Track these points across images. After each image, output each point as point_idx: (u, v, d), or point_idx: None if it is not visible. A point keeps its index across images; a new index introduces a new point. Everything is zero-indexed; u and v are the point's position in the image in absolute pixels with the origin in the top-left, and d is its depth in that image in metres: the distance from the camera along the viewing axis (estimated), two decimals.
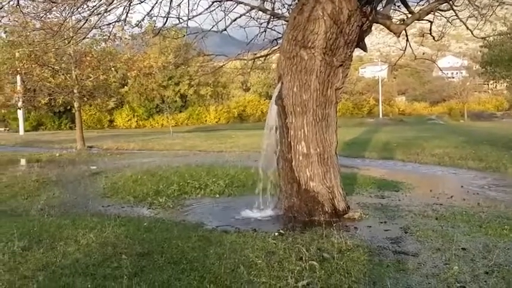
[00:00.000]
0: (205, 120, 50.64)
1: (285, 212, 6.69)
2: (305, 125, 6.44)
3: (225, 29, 8.84)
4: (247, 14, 8.89)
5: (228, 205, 7.65)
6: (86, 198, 8.28)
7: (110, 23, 8.73)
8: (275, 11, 8.54)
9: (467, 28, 8.60)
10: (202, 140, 24.41)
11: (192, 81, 47.38)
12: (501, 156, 13.38)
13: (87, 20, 7.47)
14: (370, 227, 5.97)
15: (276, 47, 10.46)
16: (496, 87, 19.76)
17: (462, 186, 9.14)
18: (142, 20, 8.53)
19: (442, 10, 9.09)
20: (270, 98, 34.68)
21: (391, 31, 7.70)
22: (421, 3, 9.41)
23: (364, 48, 7.70)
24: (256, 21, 9.64)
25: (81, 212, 7.01)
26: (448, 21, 10.43)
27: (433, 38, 9.92)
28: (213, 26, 8.59)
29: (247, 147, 18.81)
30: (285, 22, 9.47)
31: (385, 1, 7.92)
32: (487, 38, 16.19)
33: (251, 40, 9.22)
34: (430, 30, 9.68)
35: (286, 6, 9.16)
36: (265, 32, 9.17)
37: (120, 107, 47.51)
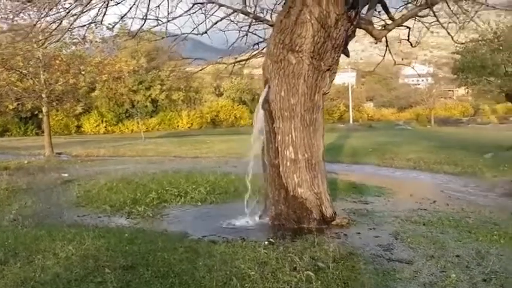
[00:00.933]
0: (177, 126, 49.88)
1: (272, 219, 6.51)
2: (293, 130, 6.30)
3: (206, 32, 8.62)
4: (228, 17, 8.68)
5: (212, 213, 7.42)
6: (60, 208, 7.88)
7: (85, 25, 8.35)
8: (257, 15, 8.37)
9: (448, 33, 8.66)
10: (176, 145, 23.97)
11: (164, 85, 46.71)
12: (475, 161, 13.62)
13: (62, 21, 7.12)
14: (359, 233, 5.87)
15: (256, 52, 10.33)
16: (467, 92, 20.26)
17: (442, 191, 9.20)
18: (120, 20, 8.20)
19: (420, 16, 9.17)
20: (243, 103, 34.79)
21: (373, 36, 7.65)
22: (400, 9, 9.52)
23: (347, 54, 7.64)
24: (237, 24, 9.48)
25: (57, 223, 6.62)
26: (426, 27, 10.57)
27: (411, 45, 9.99)
28: (194, 28, 8.36)
29: (223, 153, 18.58)
30: (267, 26, 9.35)
31: (367, 6, 7.89)
32: (460, 46, 16.52)
33: (232, 44, 9.04)
34: (408, 36, 9.76)
35: (266, 10, 9.06)
36: (246, 36, 8.99)
37: (88, 112, 46.32)
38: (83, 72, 19.13)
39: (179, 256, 4.90)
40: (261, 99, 6.54)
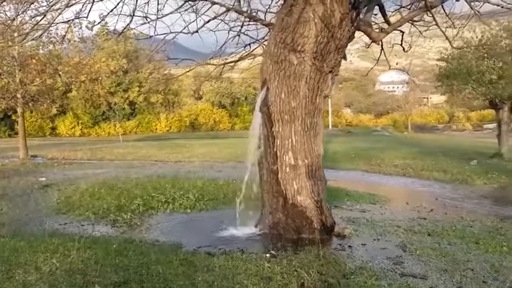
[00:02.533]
0: (156, 129, 49.04)
1: (269, 229, 6.14)
2: (293, 134, 5.96)
3: (197, 31, 8.24)
4: (220, 16, 8.31)
5: (203, 221, 7.01)
6: (39, 215, 7.33)
7: (68, 20, 7.85)
8: (251, 14, 8.04)
9: (446, 38, 8.49)
10: (156, 149, 23.41)
11: (142, 88, 45.85)
12: (462, 168, 13.58)
13: (45, 15, 6.63)
14: (364, 245, 5.56)
15: (246, 53, 10.00)
16: (449, 99, 20.34)
17: (437, 199, 9.02)
18: (106, 16, 7.73)
19: (414, 21, 9.02)
20: (223, 107, 34.41)
21: (371, 39, 7.41)
22: (393, 13, 9.34)
23: (344, 57, 7.37)
24: (227, 24, 9.12)
25: (37, 231, 6.09)
26: (420, 32, 10.42)
27: (403, 49, 9.82)
28: (185, 27, 7.96)
29: (206, 157, 18.15)
30: (260, 26, 9.03)
31: (365, 8, 7.66)
32: (446, 53, 16.55)
33: (223, 44, 8.67)
34: (402, 40, 9.59)
35: (257, 11, 8.74)
36: (238, 36, 8.64)
37: (63, 114, 45.08)
38: (60, 73, 18.38)
39: (175, 270, 4.50)
40: (259, 101, 6.19)
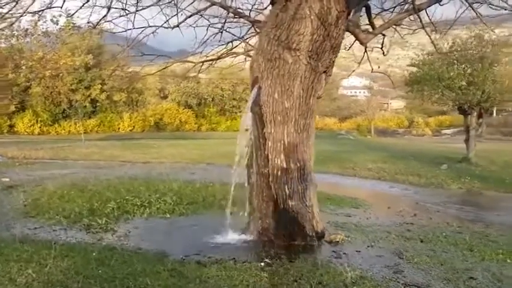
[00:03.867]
0: (118, 128, 47.60)
1: (259, 235, 5.83)
2: (285, 136, 5.68)
3: (178, 26, 7.84)
4: (203, 12, 7.96)
5: (185, 227, 6.63)
6: (6, 218, 6.71)
7: (40, 10, 7.29)
8: (237, 10, 7.72)
9: (432, 42, 8.48)
10: (122, 149, 22.62)
11: (105, 85, 44.44)
12: (434, 172, 13.74)
13: (17, 2, 6.08)
14: (359, 252, 5.35)
15: (226, 50, 9.67)
16: (422, 104, 20.74)
17: (417, 203, 8.98)
18: (81, 7, 7.22)
19: (396, 24, 8.98)
20: (189, 107, 33.74)
21: (358, 40, 7.26)
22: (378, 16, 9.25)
23: None
24: (208, 20, 8.78)
25: (6, 237, 5.54)
26: (400, 36, 10.40)
27: (383, 53, 9.76)
28: (165, 21, 7.56)
29: (176, 158, 17.63)
30: (244, 23, 8.75)
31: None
32: (416, 60, 16.77)
33: (206, 40, 8.30)
34: (382, 44, 9.53)
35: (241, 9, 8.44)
36: (221, 33, 8.30)
37: (22, 111, 43.14)
38: (23, 67, 17.41)
39: (164, 282, 4.15)
40: (250, 101, 5.88)
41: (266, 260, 4.87)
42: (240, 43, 9.40)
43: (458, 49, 15.49)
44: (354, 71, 10.63)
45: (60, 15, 16.28)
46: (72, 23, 18.54)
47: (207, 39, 8.46)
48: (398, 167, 15.05)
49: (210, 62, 9.78)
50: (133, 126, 48.75)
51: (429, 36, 8.20)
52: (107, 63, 41.19)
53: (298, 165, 5.76)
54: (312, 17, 5.41)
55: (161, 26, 7.77)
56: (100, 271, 4.31)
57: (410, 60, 17.08)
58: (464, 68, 15.98)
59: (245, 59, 10.91)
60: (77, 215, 6.91)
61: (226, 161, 16.50)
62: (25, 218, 6.78)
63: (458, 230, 6.57)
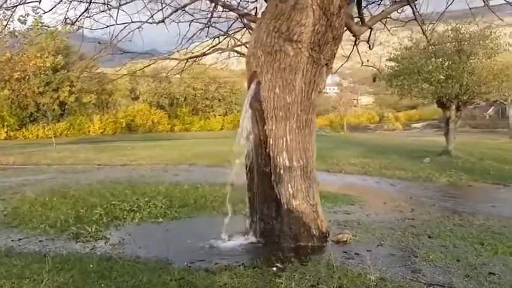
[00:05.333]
0: (89, 131, 46.36)
1: (262, 237, 5.56)
2: (287, 132, 5.42)
3: (163, 21, 7.47)
4: (189, 6, 7.62)
5: (181, 231, 6.27)
6: None
7: (12, 7, 6.80)
8: (225, 3, 7.41)
9: (424, 33, 8.39)
10: (95, 152, 21.89)
11: (74, 87, 43.14)
12: (419, 166, 13.76)
13: None
14: (370, 251, 5.14)
15: (208, 47, 9.35)
16: (401, 99, 20.86)
17: (411, 198, 8.88)
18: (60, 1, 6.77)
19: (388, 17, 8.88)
20: (162, 108, 32.94)
21: (351, 32, 7.06)
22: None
23: None
24: (192, 16, 8.44)
25: None
26: (389, 30, 10.31)
27: (369, 47, 9.64)
28: (151, 16, 7.17)
29: (154, 160, 17.11)
30: (231, 16, 8.44)
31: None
32: (395, 54, 16.80)
33: (192, 36, 7.94)
34: (369, 37, 9.41)
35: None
36: (208, 28, 7.96)
37: None
38: None
39: None
40: (248, 97, 5.58)
41: (277, 264, 4.59)
42: (225, 37, 9.08)
43: (436, 42, 15.57)
44: (342, 65, 10.45)
45: (27, 15, 15.45)
46: (41, 22, 17.73)
47: (194, 34, 8.10)
48: (382, 161, 15.01)
49: (194, 59, 9.42)
50: (104, 129, 47.59)
51: (421, 27, 8.10)
52: (75, 65, 39.99)
53: (301, 162, 5.52)
54: (314, 7, 5.17)
55: (146, 22, 7.36)
56: (102, 285, 3.96)
57: (389, 55, 17.08)
58: (441, 62, 16.09)
59: (228, 55, 10.63)
60: (63, 223, 6.48)
61: (208, 161, 16.23)
62: (7, 229, 6.29)
63: (460, 224, 6.46)
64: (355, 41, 8.68)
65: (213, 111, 53.44)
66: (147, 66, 9.54)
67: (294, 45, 5.25)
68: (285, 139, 5.43)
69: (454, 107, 16.59)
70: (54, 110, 42.76)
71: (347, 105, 70.91)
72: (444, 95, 15.91)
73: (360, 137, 39.11)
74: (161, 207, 7.46)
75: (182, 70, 9.81)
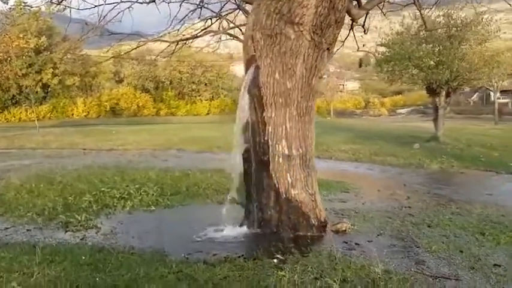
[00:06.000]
0: (72, 114, 45.53)
1: (260, 227, 5.40)
2: (287, 120, 5.25)
3: (154, 0, 7.17)
4: None
5: (175, 220, 6.10)
6: None
7: None
8: None
9: (422, 18, 8.23)
10: (81, 136, 21.48)
11: (57, 69, 42.16)
12: (409, 152, 13.74)
13: None
14: (371, 241, 5.04)
15: (202, 29, 9.06)
16: (391, 85, 20.83)
17: (405, 185, 8.81)
18: None
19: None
20: (147, 91, 32.44)
21: (350, 15, 6.85)
22: None
23: None
24: None
25: None
26: (384, 14, 10.13)
27: (364, 31, 9.49)
28: None
29: (142, 145, 16.79)
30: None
31: None
32: (386, 39, 16.65)
33: (185, 16, 7.66)
34: (365, 21, 9.25)
35: None
36: (200, 9, 7.68)
37: None
38: None
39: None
40: (246, 82, 5.36)
41: (277, 255, 4.45)
42: (217, 19, 8.80)
43: (429, 28, 15.44)
44: (337, 50, 10.24)
45: None
46: (24, 2, 17.14)
47: (185, 16, 7.82)
48: (371, 147, 14.96)
49: (185, 42, 9.13)
50: (88, 112, 46.84)
51: (419, 11, 7.96)
52: (59, 46, 39.05)
53: (301, 151, 5.37)
54: None
55: (136, 2, 7.05)
56: (97, 279, 3.76)
57: (380, 40, 16.93)
58: (432, 47, 16.01)
59: (220, 38, 10.36)
60: (51, 211, 6.25)
61: (197, 147, 15.98)
62: None
63: (458, 212, 6.39)
64: (352, 25, 8.50)
65: (199, 96, 52.84)
66: (136, 48, 9.21)
67: (295, 28, 5.03)
68: (284, 127, 5.26)
69: (443, 93, 16.57)
70: (37, 92, 41.88)
71: (333, 91, 70.83)
72: (435, 81, 15.85)
73: (347, 123, 39.09)
74: (153, 194, 7.25)
75: (172, 52, 9.50)
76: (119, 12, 7.19)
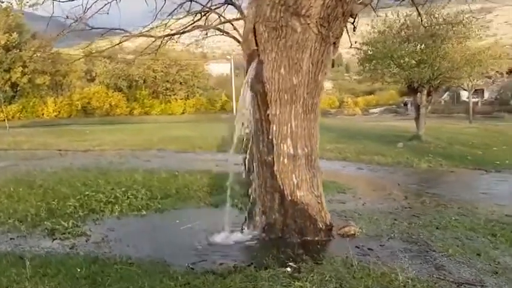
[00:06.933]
0: (42, 114, 44.16)
1: (264, 232, 5.09)
2: (293, 117, 4.95)
3: None
4: None
5: (169, 226, 5.70)
6: None
7: None
8: None
9: (419, 13, 8.08)
10: (54, 136, 20.68)
11: (26, 68, 40.76)
12: (394, 150, 13.68)
13: None
14: (383, 245, 4.78)
15: (189, 23, 8.68)
16: (373, 83, 20.89)
17: (399, 184, 8.65)
18: None
19: None
20: (119, 90, 31.72)
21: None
22: None
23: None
24: None
25: None
26: (374, 11, 9.96)
27: (354, 29, 9.28)
28: None
29: (119, 145, 16.20)
30: None
31: None
32: (368, 37, 16.57)
33: (174, 9, 7.26)
34: (355, 19, 9.04)
35: None
36: (190, 2, 7.30)
37: None
38: None
39: None
40: (249, 78, 5.03)
41: (290, 263, 4.14)
42: (204, 14, 8.43)
43: (410, 25, 15.47)
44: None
45: None
46: None
47: (174, 10, 7.42)
48: (356, 147, 14.84)
49: (171, 37, 8.73)
50: (59, 112, 45.60)
51: (416, 7, 7.79)
52: (28, 44, 37.72)
53: (306, 150, 5.08)
54: None
55: None
56: None
57: (362, 38, 16.81)
58: (414, 45, 16.02)
59: (206, 34, 9.97)
60: (34, 218, 5.79)
61: (178, 146, 15.52)
62: None
63: (462, 213, 6.22)
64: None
65: (174, 95, 52.07)
66: (119, 43, 8.74)
67: (301, 21, 4.73)
68: (289, 125, 4.95)
69: (425, 92, 16.61)
70: (5, 91, 40.38)
71: None
72: (417, 80, 15.85)
73: (325, 122, 38.86)
74: (141, 198, 6.84)
75: (157, 49, 9.05)
76: (105, 4, 6.73)
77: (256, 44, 5.02)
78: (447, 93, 57.85)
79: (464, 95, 51.19)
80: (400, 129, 23.15)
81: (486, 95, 52.26)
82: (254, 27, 5.00)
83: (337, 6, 4.83)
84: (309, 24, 4.76)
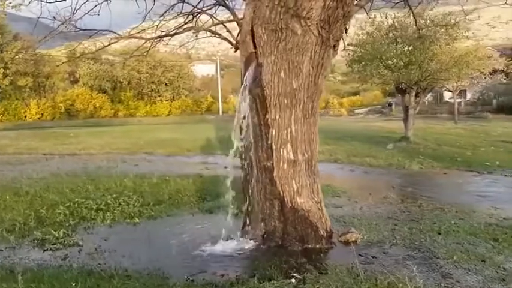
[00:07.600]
0: (25, 116, 43.33)
1: (263, 240, 4.95)
2: (292, 122, 4.82)
3: None
4: None
5: (165, 234, 5.52)
6: None
7: None
8: None
9: (413, 14, 8.03)
10: (39, 140, 20.22)
11: (8, 69, 39.95)
12: (384, 152, 13.66)
13: None
14: (386, 253, 4.68)
15: (181, 25, 8.50)
16: (362, 85, 20.89)
17: (394, 187, 8.59)
18: None
19: None
20: (104, 91, 31.31)
21: None
22: None
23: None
24: None
25: None
26: (367, 13, 9.91)
27: (345, 31, 9.22)
28: None
29: (105, 149, 15.91)
30: None
31: None
32: (357, 39, 16.54)
33: (166, 11, 7.08)
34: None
35: None
36: (183, 3, 7.12)
37: None
38: None
39: None
40: (247, 81, 4.90)
41: (294, 274, 4.01)
42: (195, 15, 8.26)
43: (399, 27, 15.49)
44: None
45: None
46: None
47: (166, 11, 7.24)
48: (346, 148, 14.80)
49: (161, 39, 8.54)
50: (42, 114, 44.74)
51: (410, 7, 7.75)
52: (10, 45, 36.98)
53: (306, 155, 4.96)
54: None
55: None
56: None
57: (350, 39, 16.78)
58: (402, 47, 16.04)
59: (196, 36, 9.79)
60: (22, 227, 5.58)
61: (166, 150, 15.28)
62: None
63: (460, 217, 6.16)
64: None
65: (159, 96, 51.55)
66: (108, 45, 8.52)
67: (302, 23, 4.60)
68: (289, 129, 4.83)
69: (413, 93, 16.66)
70: None
71: None
72: (405, 81, 15.88)
73: None
74: (133, 205, 6.65)
75: (148, 50, 8.84)
76: (94, 6, 6.52)
77: (254, 47, 4.89)
78: (430, 94, 58.43)
79: (447, 95, 51.77)
80: (387, 130, 23.21)
81: (468, 95, 52.83)
82: (252, 30, 4.87)
83: (338, 8, 4.70)
84: (309, 26, 4.63)
